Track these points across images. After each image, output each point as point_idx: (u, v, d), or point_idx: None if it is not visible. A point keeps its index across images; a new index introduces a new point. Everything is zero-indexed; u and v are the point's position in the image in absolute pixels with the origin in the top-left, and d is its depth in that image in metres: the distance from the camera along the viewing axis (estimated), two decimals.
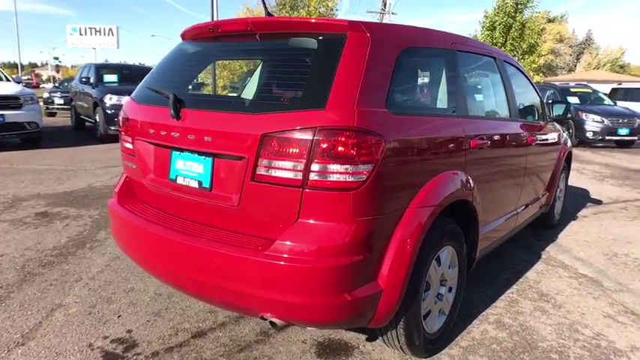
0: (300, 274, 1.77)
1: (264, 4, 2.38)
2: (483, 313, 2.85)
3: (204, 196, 2.06)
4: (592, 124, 11.22)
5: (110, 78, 11.20)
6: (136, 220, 2.23)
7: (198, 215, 2.12)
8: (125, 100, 9.86)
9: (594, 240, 4.31)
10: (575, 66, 48.48)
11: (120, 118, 2.52)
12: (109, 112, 9.92)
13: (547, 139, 3.80)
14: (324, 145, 1.73)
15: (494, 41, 22.48)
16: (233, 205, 1.94)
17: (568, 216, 5.03)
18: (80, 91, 11.67)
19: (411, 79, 2.35)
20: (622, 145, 11.72)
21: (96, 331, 2.52)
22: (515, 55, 21.98)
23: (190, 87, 2.43)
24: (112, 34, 40.34)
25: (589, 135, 11.25)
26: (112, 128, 9.98)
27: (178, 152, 2.16)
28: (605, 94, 13.75)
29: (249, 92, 3.15)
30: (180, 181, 2.15)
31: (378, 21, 35.19)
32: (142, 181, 2.33)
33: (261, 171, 1.83)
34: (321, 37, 1.96)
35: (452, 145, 2.30)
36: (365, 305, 1.89)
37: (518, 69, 3.58)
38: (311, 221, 1.80)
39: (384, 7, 36.81)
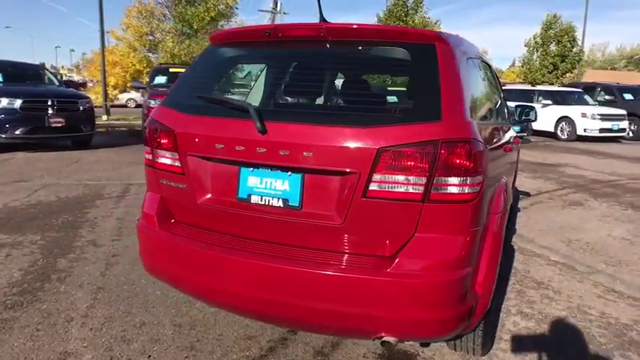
0: (427, 290, 1.73)
1: (319, 8, 2.25)
2: (504, 305, 3.05)
3: (291, 216, 1.90)
4: None
5: None
6: (202, 247, 1.97)
7: (282, 236, 1.94)
8: (18, 103, 8.57)
9: (546, 229, 4.84)
10: None
11: (151, 130, 2.20)
12: None
13: (515, 139, 4.17)
14: (447, 158, 1.71)
15: None
16: (334, 224, 1.82)
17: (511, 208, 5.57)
18: None
19: (476, 89, 2.43)
20: None
21: None
22: None
23: (259, 97, 2.21)
24: None
25: None
26: (3, 136, 8.64)
27: (251, 168, 1.96)
28: None
29: (255, 99, 2.96)
30: (255, 200, 1.96)
31: (269, 21, 35.36)
32: (196, 202, 2.07)
33: (374, 186, 1.75)
34: (410, 47, 1.93)
35: (504, 150, 2.44)
36: (470, 313, 1.91)
37: (495, 75, 3.87)
38: (429, 235, 1.77)
39: (275, 6, 37.10)
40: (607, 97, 16.11)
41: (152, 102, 10.76)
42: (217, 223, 2.07)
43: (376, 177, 1.74)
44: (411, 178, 1.72)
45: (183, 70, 14.50)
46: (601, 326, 2.81)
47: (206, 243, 1.98)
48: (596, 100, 15.63)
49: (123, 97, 27.64)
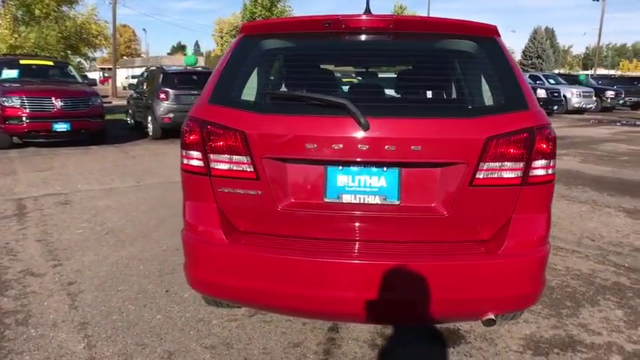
0: (532, 266, 1.86)
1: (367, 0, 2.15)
2: None
3: (390, 211, 1.86)
4: None
5: None
6: (301, 255, 1.79)
7: (380, 234, 1.88)
8: None
9: None
10: None
11: (201, 132, 1.91)
12: None
13: None
14: (539, 143, 1.84)
15: None
16: (439, 214, 1.84)
17: None
18: None
19: None
20: None
21: None
22: None
23: (341, 91, 2.03)
24: None
25: None
26: None
27: (340, 167, 1.86)
28: None
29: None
30: (347, 199, 1.86)
31: (110, 6, 32.35)
32: (275, 208, 1.87)
33: (481, 175, 1.80)
34: (477, 40, 2.00)
35: None
36: None
37: None
38: (524, 216, 1.89)
39: None
40: None
41: (6, 100, 9.15)
42: (301, 228, 1.91)
43: (483, 165, 1.80)
44: (512, 164, 1.82)
45: (39, 61, 12.34)
46: (574, 278, 3.31)
47: (303, 251, 1.82)
48: None
49: None
